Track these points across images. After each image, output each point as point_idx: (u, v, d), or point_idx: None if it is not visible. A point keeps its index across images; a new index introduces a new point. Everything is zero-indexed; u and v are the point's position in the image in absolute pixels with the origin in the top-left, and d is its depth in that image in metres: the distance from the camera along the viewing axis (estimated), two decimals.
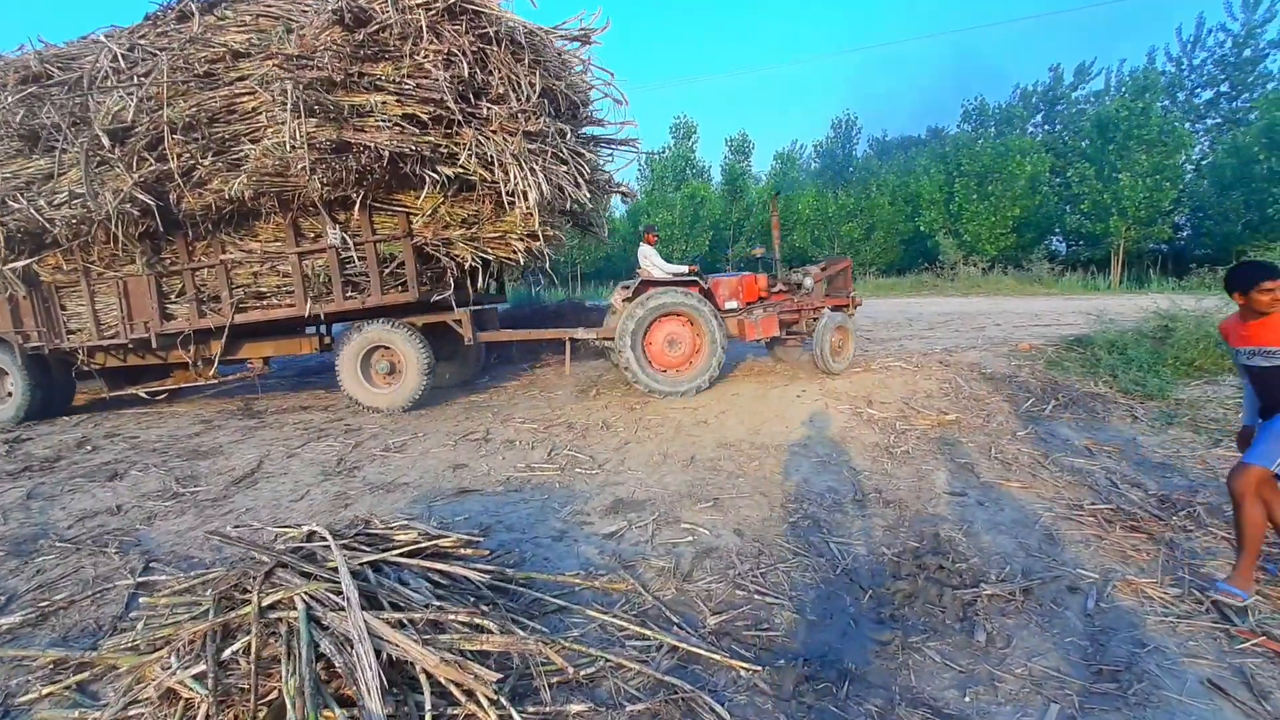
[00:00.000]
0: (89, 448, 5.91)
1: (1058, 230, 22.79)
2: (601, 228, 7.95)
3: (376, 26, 5.40)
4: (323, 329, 7.42)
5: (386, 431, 5.92)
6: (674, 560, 3.10)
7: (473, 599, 2.48)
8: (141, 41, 6.35)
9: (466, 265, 6.34)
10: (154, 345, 6.92)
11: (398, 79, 5.43)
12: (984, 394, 6.09)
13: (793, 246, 23.38)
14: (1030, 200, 20.85)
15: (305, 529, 2.74)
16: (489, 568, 2.69)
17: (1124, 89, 20.53)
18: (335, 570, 2.36)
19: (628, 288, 6.96)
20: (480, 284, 6.74)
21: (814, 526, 3.53)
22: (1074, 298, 13.99)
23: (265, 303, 6.74)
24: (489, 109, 5.58)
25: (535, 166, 5.59)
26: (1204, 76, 26.70)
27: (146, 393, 7.58)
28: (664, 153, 26.40)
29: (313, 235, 6.47)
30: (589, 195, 6.17)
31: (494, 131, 5.55)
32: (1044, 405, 5.79)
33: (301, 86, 5.18)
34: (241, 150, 5.78)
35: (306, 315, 6.51)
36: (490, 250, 6.29)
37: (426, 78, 5.41)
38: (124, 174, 5.85)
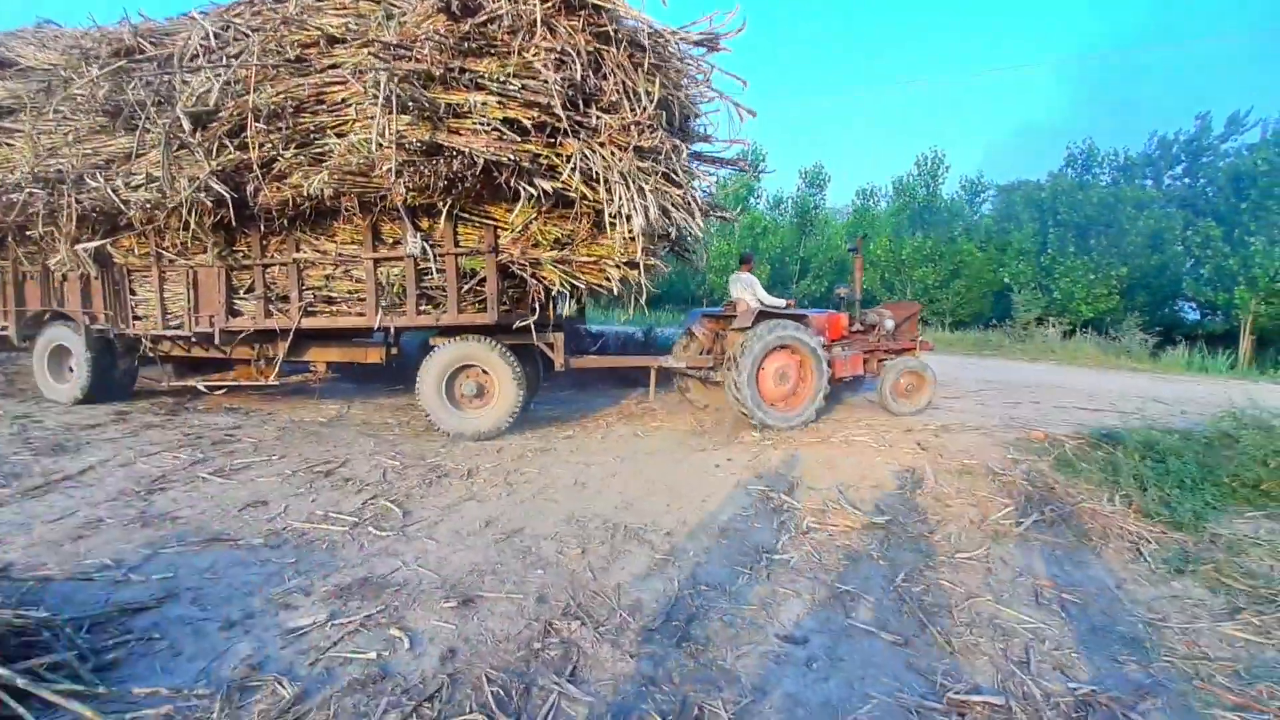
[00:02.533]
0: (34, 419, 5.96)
1: (1190, 297, 19.63)
2: (700, 255, 7.52)
3: (485, 17, 5.07)
4: (390, 338, 7.22)
5: (251, 449, 5.51)
6: (302, 689, 2.33)
7: None
8: (236, 20, 6.17)
9: (554, 290, 5.96)
10: (217, 340, 6.74)
11: (502, 78, 5.05)
12: (950, 493, 4.99)
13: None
14: (1145, 259, 18.27)
15: None
16: None
17: (1272, 138, 17.64)
18: None
19: (711, 317, 7.21)
20: (565, 308, 6.46)
21: (559, 661, 2.66)
22: (1168, 378, 11.91)
23: (334, 309, 6.51)
24: (598, 118, 5.16)
25: (645, 187, 5.16)
26: None
27: (206, 386, 7.58)
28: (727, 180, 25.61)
29: (392, 241, 6.20)
30: (702, 224, 5.83)
31: (601, 144, 5.15)
32: (1022, 520, 4.56)
33: (396, 79, 4.83)
34: (325, 144, 5.49)
35: (376, 327, 6.29)
36: (582, 275, 5.87)
37: (534, 78, 5.04)
38: (202, 160, 5.66)
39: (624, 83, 5.11)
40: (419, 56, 4.93)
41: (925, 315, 21.59)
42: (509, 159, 4.99)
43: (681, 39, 5.46)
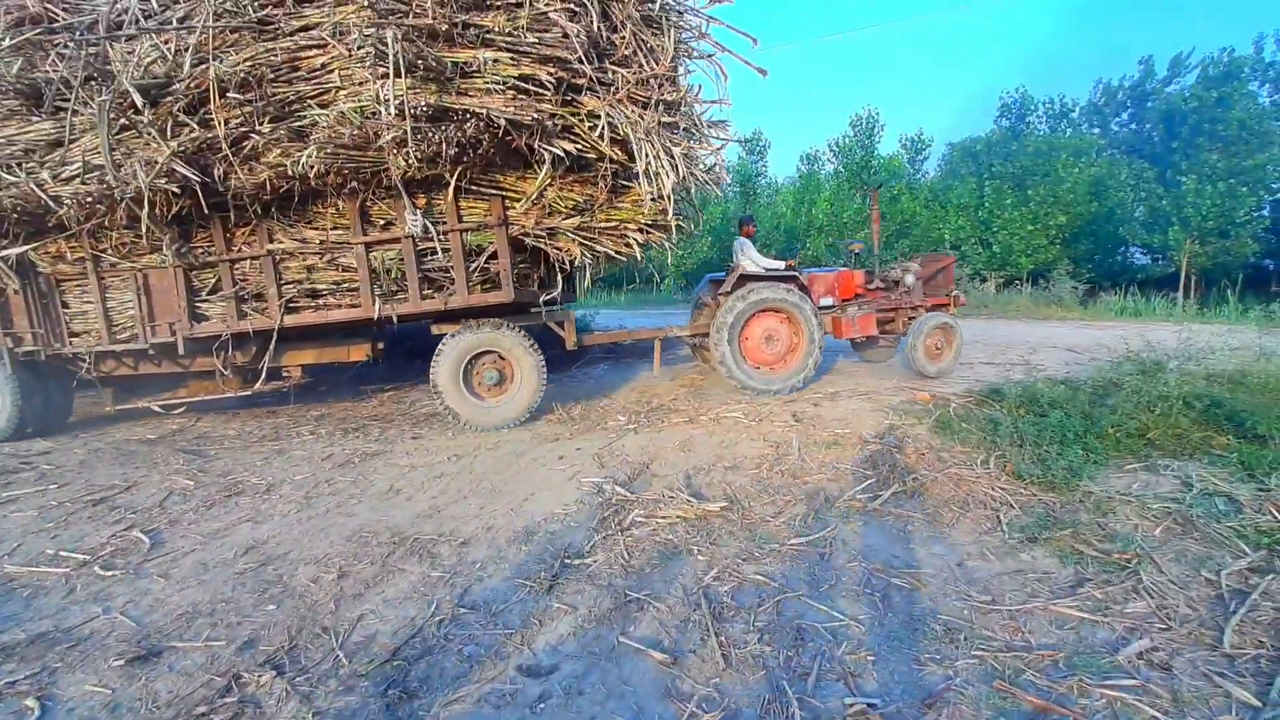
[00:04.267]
0: None
1: (1133, 242, 19.40)
2: (695, 220, 6.91)
3: None
4: (382, 331, 6.56)
5: (36, 478, 4.88)
6: None
7: None
8: None
9: (575, 261, 5.62)
10: (182, 350, 5.92)
11: (511, 31, 4.61)
12: (813, 467, 4.54)
13: (808, 254, 21.46)
14: (1085, 207, 18.09)
15: None
16: None
17: (1201, 77, 17.51)
18: None
19: (717, 282, 7.00)
20: (584, 284, 6.44)
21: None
22: (1097, 325, 11.66)
23: (321, 301, 5.82)
24: (614, 73, 4.86)
25: (670, 145, 4.94)
26: None
27: (160, 406, 6.80)
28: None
29: (382, 222, 5.62)
30: (723, 179, 5.63)
31: (619, 101, 4.84)
32: (881, 491, 4.16)
33: (399, 36, 4.27)
34: (307, 116, 4.84)
35: (376, 318, 5.68)
36: (605, 243, 5.55)
37: (547, 31, 4.65)
38: (158, 142, 4.87)
39: (635, 34, 4.82)
40: (419, 10, 4.43)
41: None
42: (530, 119, 4.58)
43: None
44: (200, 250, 5.79)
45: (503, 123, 4.53)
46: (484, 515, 3.93)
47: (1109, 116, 27.59)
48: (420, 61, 4.34)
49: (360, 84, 4.52)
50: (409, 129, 4.44)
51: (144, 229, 5.22)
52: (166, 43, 4.84)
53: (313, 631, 2.75)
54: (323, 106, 4.72)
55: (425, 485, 4.46)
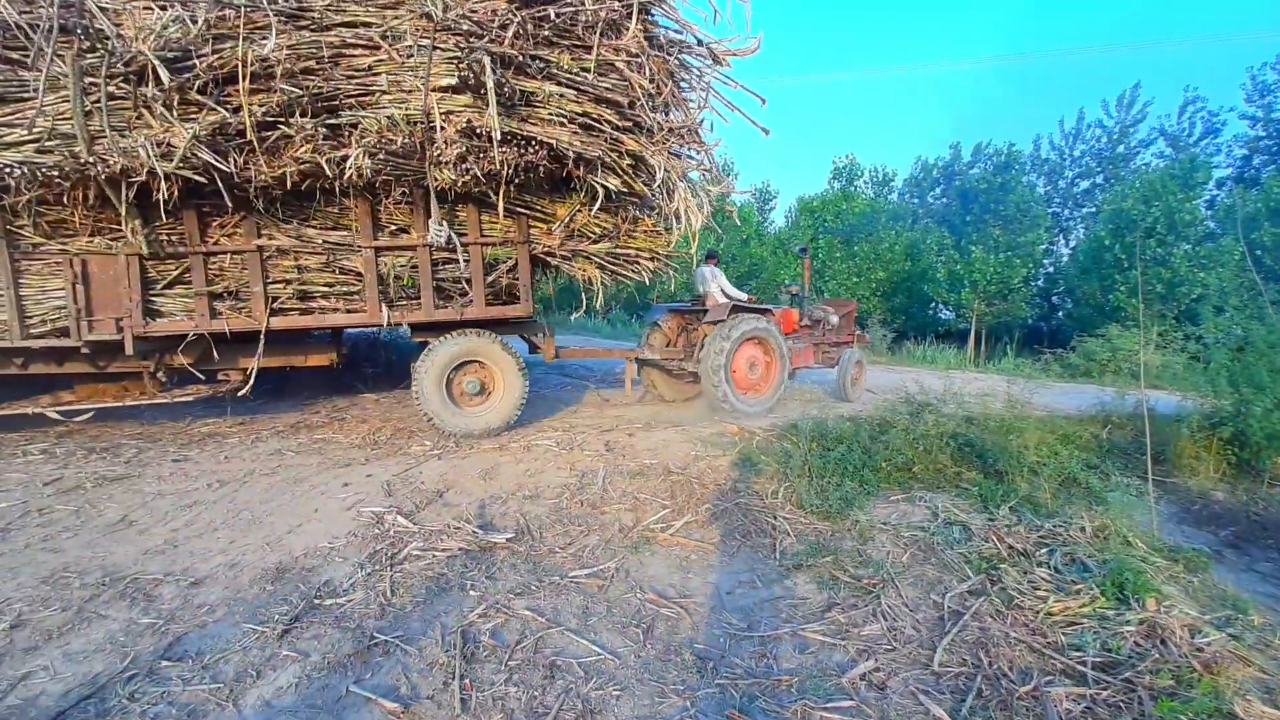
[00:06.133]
0: None
1: (936, 299, 22.07)
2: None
3: (570, 9, 4.84)
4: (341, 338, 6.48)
5: None
6: None
7: None
8: None
9: (596, 282, 6.15)
10: (129, 350, 5.16)
11: (577, 71, 4.93)
12: (614, 497, 4.50)
13: (665, 292, 22.14)
14: (901, 266, 20.39)
15: None
16: None
17: (989, 163, 20.75)
18: None
19: (675, 311, 7.68)
20: (597, 303, 6.50)
21: None
22: (899, 369, 13.10)
23: (314, 305, 5.58)
24: (654, 120, 5.21)
25: (698, 188, 5.63)
26: (1082, 167, 28.00)
27: (58, 412, 5.59)
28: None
29: (393, 227, 5.64)
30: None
31: (659, 146, 5.27)
32: (674, 521, 4.21)
33: (489, 60, 4.45)
34: (344, 115, 4.68)
35: (385, 325, 5.66)
36: (622, 269, 6.19)
37: (606, 76, 5.00)
38: (169, 120, 4.38)
39: (672, 90, 5.30)
40: (498, 39, 4.59)
41: None
42: (595, 155, 4.98)
43: (701, 50, 5.51)
44: (165, 239, 5.18)
45: (571, 154, 4.92)
46: (231, 551, 3.47)
47: (926, 189, 31.71)
48: (503, 87, 4.59)
49: (409, 92, 4.58)
50: (463, 146, 4.65)
51: (80, 210, 4.72)
52: (188, 13, 4.39)
53: None
54: (364, 107, 4.70)
55: (169, 516, 3.87)
